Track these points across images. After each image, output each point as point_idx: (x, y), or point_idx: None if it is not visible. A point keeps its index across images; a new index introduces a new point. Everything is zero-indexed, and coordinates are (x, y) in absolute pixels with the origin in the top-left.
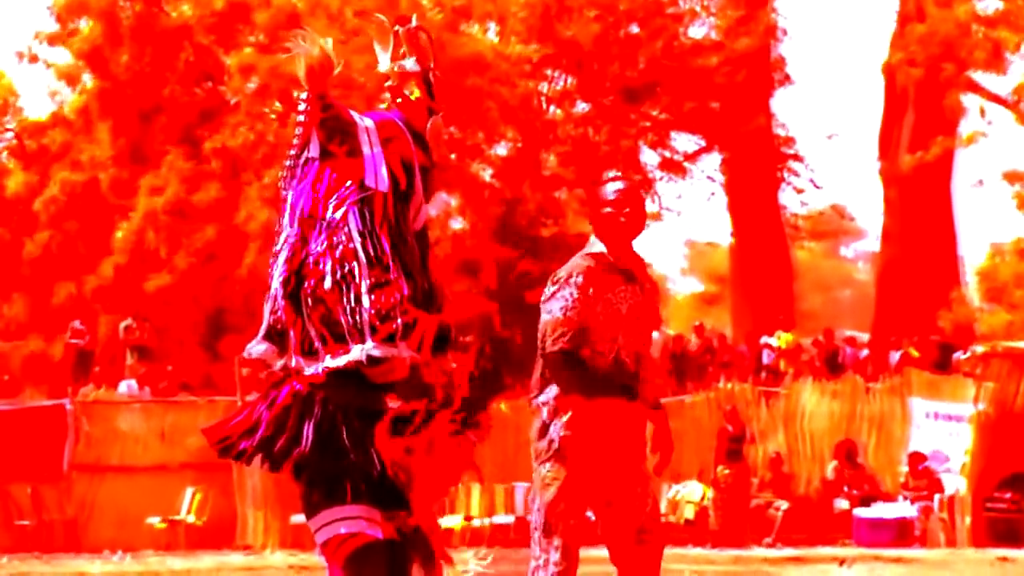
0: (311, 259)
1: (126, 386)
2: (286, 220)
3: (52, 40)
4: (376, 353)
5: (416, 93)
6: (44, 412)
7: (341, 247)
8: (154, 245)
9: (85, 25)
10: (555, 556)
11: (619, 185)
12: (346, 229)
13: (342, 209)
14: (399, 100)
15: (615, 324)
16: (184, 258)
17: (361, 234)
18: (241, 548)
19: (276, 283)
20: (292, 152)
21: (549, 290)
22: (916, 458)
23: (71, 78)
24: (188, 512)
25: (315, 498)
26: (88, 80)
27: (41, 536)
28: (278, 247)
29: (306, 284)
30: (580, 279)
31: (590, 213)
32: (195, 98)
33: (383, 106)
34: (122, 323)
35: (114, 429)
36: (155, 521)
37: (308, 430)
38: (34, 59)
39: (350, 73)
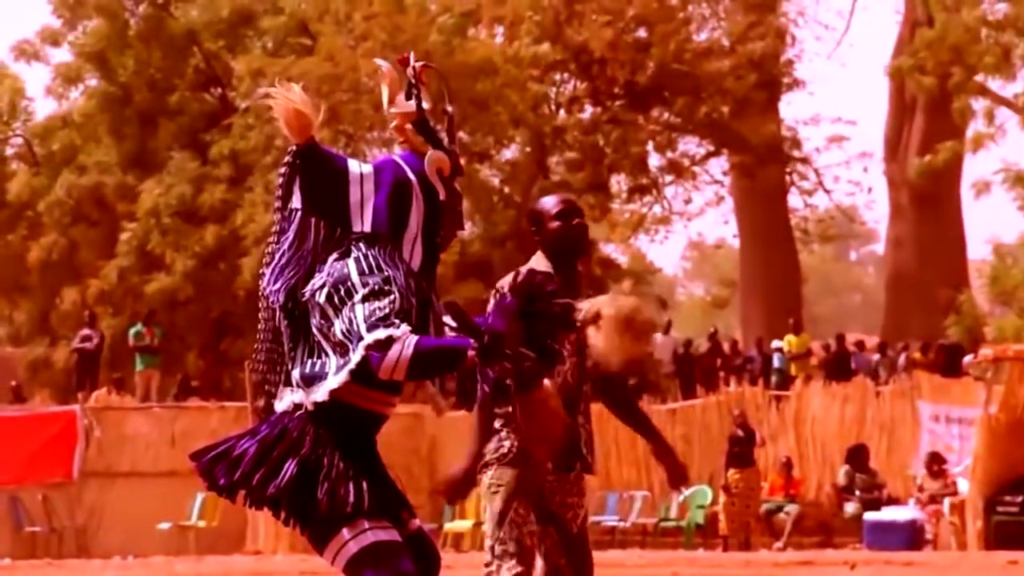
0: (308, 292)
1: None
2: (269, 279)
3: (56, 39)
4: (378, 337)
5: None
6: (55, 418)
7: (336, 274)
8: (160, 249)
9: (91, 25)
10: (509, 563)
11: (559, 197)
12: (338, 265)
13: (332, 256)
14: (402, 140)
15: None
16: (188, 260)
17: (356, 260)
18: (251, 553)
19: (273, 297)
20: (278, 203)
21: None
22: (934, 459)
23: (74, 80)
24: (198, 518)
25: (317, 532)
26: (93, 82)
27: (52, 542)
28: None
29: (303, 299)
30: None
31: (536, 233)
32: (204, 103)
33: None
34: (132, 329)
35: (124, 435)
36: (165, 526)
37: (291, 466)
38: (36, 57)
39: (359, 77)
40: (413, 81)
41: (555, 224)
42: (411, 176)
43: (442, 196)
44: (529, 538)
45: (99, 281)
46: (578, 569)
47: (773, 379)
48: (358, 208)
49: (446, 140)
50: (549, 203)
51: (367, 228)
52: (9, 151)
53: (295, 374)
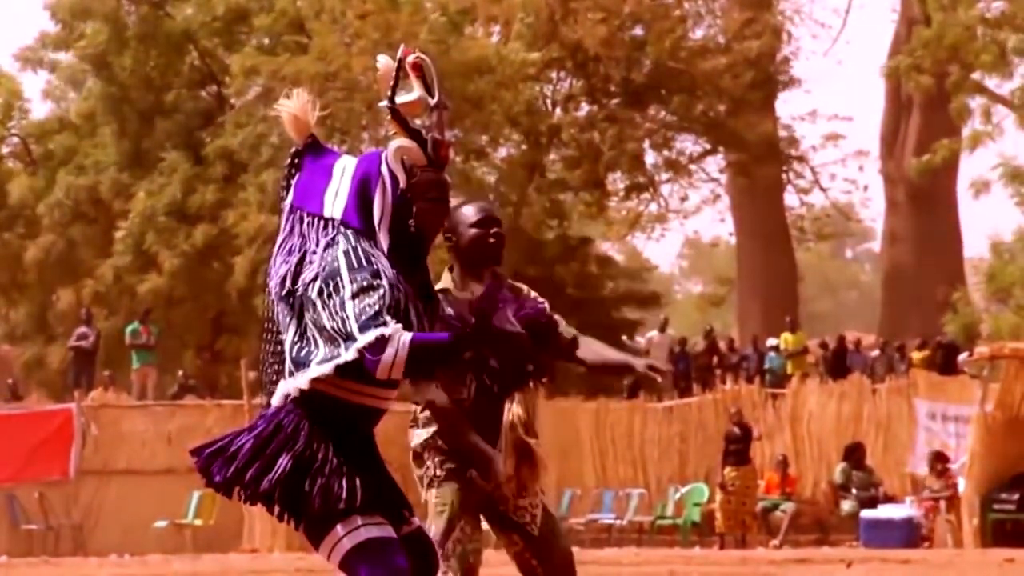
0: (300, 286)
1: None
2: (269, 274)
3: (56, 43)
4: (369, 339)
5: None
6: (51, 416)
7: (327, 266)
8: (155, 248)
9: (90, 29)
10: None
11: (480, 205)
12: (329, 257)
13: (322, 244)
14: (395, 132)
15: None
16: (176, 259)
17: (346, 253)
18: (248, 551)
19: (273, 287)
20: (281, 203)
21: None
22: (937, 458)
23: (75, 82)
24: (195, 516)
25: (312, 528)
26: (92, 83)
27: (48, 540)
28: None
29: (297, 292)
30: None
31: (451, 240)
32: (200, 101)
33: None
34: (129, 327)
35: (121, 433)
36: (162, 524)
37: (285, 461)
38: (40, 64)
39: (353, 76)
40: (394, 72)
41: (472, 232)
42: (383, 167)
43: (402, 184)
44: (473, 555)
45: (95, 281)
46: (552, 566)
47: (769, 377)
48: (331, 201)
49: (435, 130)
50: (469, 211)
51: (338, 215)
52: (5, 150)
53: (288, 360)
